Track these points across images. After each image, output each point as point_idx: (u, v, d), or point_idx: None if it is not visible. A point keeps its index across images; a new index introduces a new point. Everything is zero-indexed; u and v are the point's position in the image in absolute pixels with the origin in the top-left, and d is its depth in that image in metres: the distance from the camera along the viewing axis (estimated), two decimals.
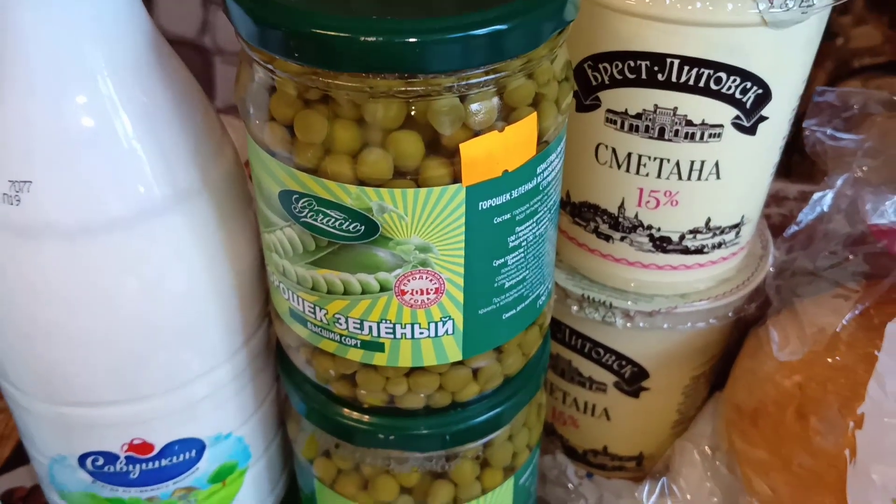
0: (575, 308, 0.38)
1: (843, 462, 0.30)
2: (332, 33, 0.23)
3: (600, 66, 0.33)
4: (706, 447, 0.36)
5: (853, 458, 0.30)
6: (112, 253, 0.28)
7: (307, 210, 0.27)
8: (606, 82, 0.33)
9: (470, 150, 0.25)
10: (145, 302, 0.29)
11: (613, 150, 0.35)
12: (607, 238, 0.37)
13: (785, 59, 0.32)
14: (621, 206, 0.36)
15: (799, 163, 0.56)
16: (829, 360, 0.32)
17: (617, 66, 0.33)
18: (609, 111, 0.34)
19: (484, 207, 0.27)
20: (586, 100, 0.34)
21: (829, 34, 1.48)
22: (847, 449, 0.30)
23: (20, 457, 0.46)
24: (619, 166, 0.35)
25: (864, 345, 0.32)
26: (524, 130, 0.26)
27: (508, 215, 0.27)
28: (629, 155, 0.34)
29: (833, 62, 1.39)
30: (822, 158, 0.41)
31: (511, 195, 0.27)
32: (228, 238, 0.31)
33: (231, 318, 0.31)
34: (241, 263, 0.31)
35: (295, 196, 0.27)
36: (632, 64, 0.32)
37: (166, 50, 0.29)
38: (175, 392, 0.31)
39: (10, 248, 0.27)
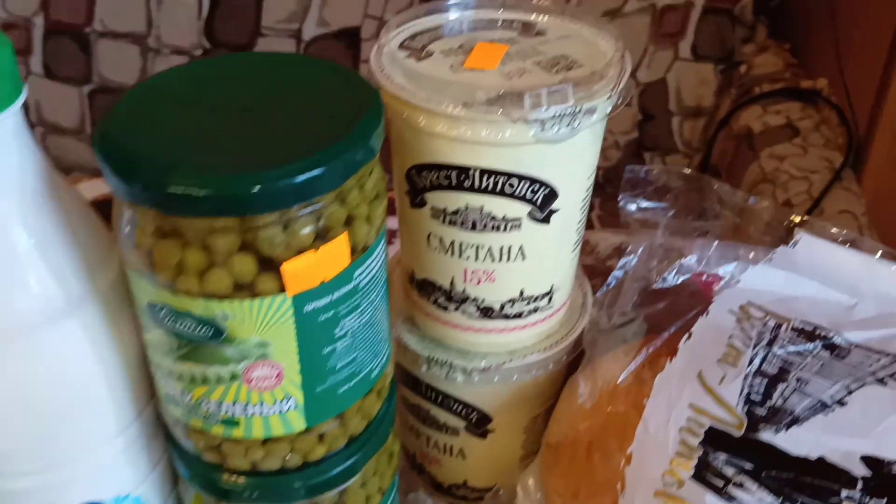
0: (424, 367, 0.46)
1: (616, 492, 0.38)
2: (178, 190, 0.30)
3: (422, 173, 0.41)
4: (530, 480, 0.44)
5: (623, 490, 0.37)
6: (21, 352, 0.34)
7: (168, 318, 0.34)
8: (428, 186, 0.41)
9: (290, 269, 0.32)
10: (49, 390, 0.35)
11: (440, 239, 0.42)
12: (444, 308, 0.44)
13: (565, 164, 0.40)
14: (452, 283, 0.43)
15: None
16: (610, 408, 0.40)
17: (434, 174, 0.40)
18: (433, 208, 0.41)
19: (308, 310, 0.34)
20: (415, 199, 0.42)
21: (734, 63, 1.58)
22: (619, 482, 0.38)
23: None
24: (446, 252, 0.42)
25: (637, 395, 0.39)
26: (337, 248, 0.33)
27: (332, 312, 0.34)
28: (452, 242, 0.42)
29: (737, 90, 1.49)
30: (631, 227, 0.49)
31: (332, 297, 0.34)
32: (117, 334, 0.37)
33: (122, 399, 0.38)
34: (128, 354, 0.38)
35: (157, 307, 0.34)
36: (445, 173, 0.40)
37: (56, 178, 0.36)
38: (77, 462, 0.37)
39: None
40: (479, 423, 0.47)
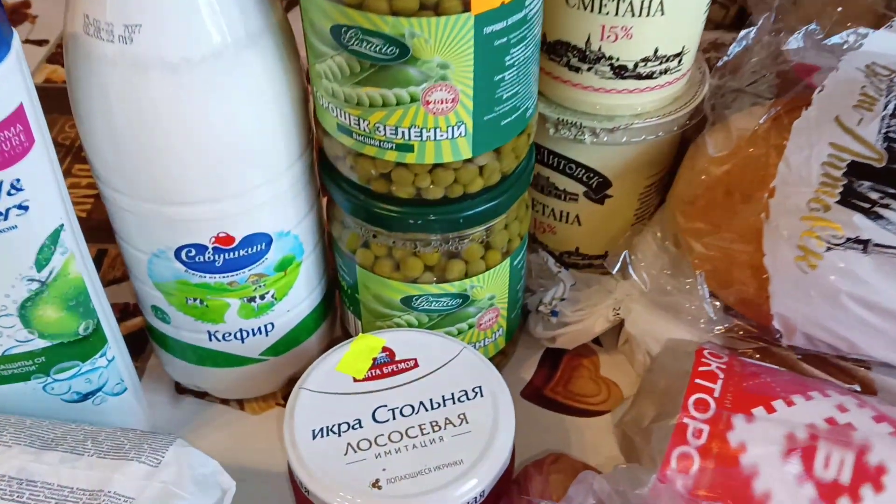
0: (552, 130, 0.48)
1: (759, 223, 0.40)
2: None
3: None
4: (657, 232, 0.46)
5: (767, 218, 0.40)
6: (203, 81, 0.36)
7: (354, 39, 0.35)
8: None
9: None
10: (227, 121, 0.37)
11: None
12: (577, 70, 0.46)
13: None
14: (587, 42, 0.45)
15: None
16: (750, 150, 0.42)
17: None
18: None
19: (487, 32, 0.35)
20: None
21: None
22: (763, 213, 0.40)
23: None
24: (584, 7, 0.43)
25: (776, 138, 0.41)
26: None
27: (505, 39, 0.36)
28: None
29: None
30: (750, 3, 0.50)
31: (507, 22, 0.36)
32: (285, 73, 0.39)
33: (288, 137, 0.40)
34: (295, 94, 0.40)
35: (344, 28, 0.35)
36: None
37: None
38: (249, 193, 0.40)
39: (125, 80, 0.35)
40: (599, 189, 0.50)
